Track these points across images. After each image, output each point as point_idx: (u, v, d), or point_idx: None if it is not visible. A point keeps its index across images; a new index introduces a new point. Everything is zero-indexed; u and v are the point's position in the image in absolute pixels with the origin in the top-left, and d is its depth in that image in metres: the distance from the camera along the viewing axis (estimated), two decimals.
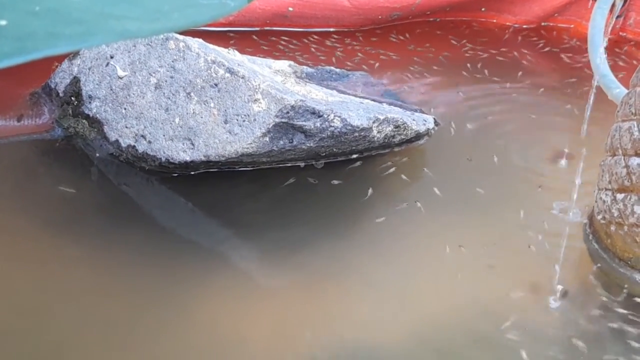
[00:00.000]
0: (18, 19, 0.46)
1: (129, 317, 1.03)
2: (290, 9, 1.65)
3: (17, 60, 0.44)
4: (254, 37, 1.67)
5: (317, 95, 1.29)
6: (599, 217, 1.16)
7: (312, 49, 1.65)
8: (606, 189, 1.14)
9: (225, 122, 1.20)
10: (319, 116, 1.22)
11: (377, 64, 1.61)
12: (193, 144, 1.21)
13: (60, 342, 0.99)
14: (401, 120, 1.30)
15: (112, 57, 1.27)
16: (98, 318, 1.03)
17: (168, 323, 1.02)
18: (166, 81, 1.23)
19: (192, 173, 1.26)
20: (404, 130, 1.31)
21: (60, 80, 1.32)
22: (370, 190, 1.27)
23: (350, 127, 1.24)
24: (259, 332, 1.02)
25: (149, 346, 1.00)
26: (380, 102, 1.37)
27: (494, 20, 1.85)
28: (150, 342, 1.00)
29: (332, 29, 1.73)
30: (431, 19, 1.81)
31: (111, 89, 1.26)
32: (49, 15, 0.47)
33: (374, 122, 1.26)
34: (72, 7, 0.48)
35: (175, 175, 1.26)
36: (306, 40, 1.68)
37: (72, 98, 1.30)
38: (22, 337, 0.99)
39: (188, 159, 1.22)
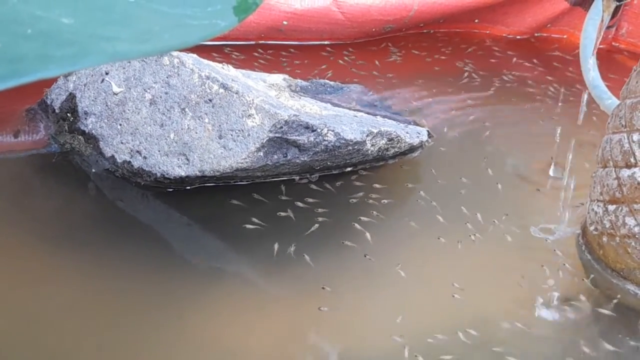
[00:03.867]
0: (10, 42, 0.46)
1: (125, 331, 1.04)
2: (285, 22, 1.66)
3: (9, 84, 0.45)
4: (249, 50, 1.68)
5: (311, 109, 1.30)
6: (591, 228, 1.16)
7: (307, 62, 1.66)
8: (598, 201, 1.14)
9: (220, 137, 1.21)
10: (313, 130, 1.23)
11: (371, 76, 1.62)
12: (188, 159, 1.22)
13: (55, 357, 0.99)
14: (395, 134, 1.30)
15: (107, 74, 1.28)
16: (93, 333, 1.03)
17: (164, 337, 1.03)
18: (161, 97, 1.24)
19: (188, 188, 1.26)
20: (397, 143, 1.32)
21: (56, 96, 1.32)
22: (364, 203, 1.27)
23: (343, 141, 1.25)
24: (257, 345, 1.03)
25: None
26: (375, 115, 1.38)
27: (487, 32, 1.86)
28: (146, 356, 1.01)
29: (326, 42, 1.74)
30: (425, 31, 1.82)
31: (106, 105, 1.27)
32: (40, 37, 0.47)
33: (367, 136, 1.27)
34: (64, 30, 0.48)
35: (170, 190, 1.26)
36: (301, 54, 1.69)
37: (68, 114, 1.30)
38: (16, 351, 0.99)
39: (183, 174, 1.22)
